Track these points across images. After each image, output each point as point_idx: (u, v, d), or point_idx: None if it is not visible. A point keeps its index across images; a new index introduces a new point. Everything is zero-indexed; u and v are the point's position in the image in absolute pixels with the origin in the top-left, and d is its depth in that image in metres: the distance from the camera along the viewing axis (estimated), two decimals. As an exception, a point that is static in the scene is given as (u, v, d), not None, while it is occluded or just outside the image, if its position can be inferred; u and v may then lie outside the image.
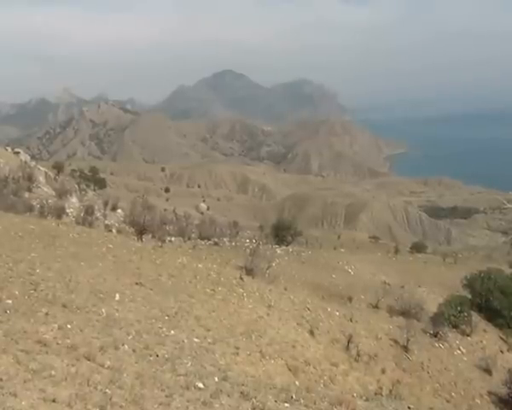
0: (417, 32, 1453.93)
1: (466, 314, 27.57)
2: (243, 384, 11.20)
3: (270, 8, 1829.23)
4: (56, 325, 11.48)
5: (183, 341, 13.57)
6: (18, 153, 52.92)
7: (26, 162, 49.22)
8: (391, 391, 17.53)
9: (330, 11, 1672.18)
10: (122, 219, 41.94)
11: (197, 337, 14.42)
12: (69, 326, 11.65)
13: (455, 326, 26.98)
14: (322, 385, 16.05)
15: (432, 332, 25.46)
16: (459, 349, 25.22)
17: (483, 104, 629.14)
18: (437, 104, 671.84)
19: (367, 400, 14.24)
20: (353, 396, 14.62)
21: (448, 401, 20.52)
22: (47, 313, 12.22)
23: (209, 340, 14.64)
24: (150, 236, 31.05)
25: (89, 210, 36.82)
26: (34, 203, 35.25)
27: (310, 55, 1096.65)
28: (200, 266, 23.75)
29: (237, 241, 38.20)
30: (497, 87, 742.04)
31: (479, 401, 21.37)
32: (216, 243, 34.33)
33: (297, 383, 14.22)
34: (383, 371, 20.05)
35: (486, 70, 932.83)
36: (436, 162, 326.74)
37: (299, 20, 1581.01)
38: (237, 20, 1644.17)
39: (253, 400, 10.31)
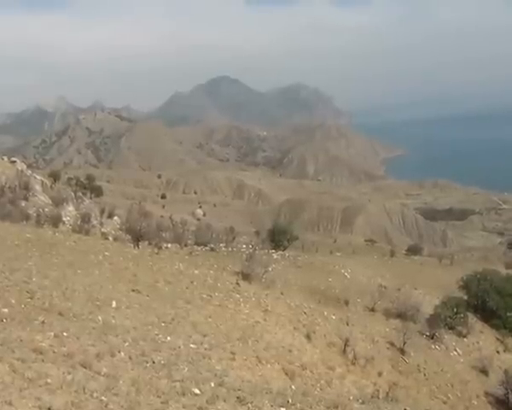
0: (414, 36, 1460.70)
1: (462, 316, 27.67)
2: (239, 389, 11.26)
3: (265, 12, 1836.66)
4: (52, 333, 11.53)
5: (180, 347, 13.64)
6: (14, 162, 52.81)
7: (22, 171, 49.14)
8: (387, 394, 17.57)
9: (325, 15, 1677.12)
10: (118, 226, 41.89)
11: (194, 343, 14.48)
12: (65, 334, 11.71)
13: (451, 328, 27.08)
14: (318, 389, 16.12)
15: (428, 334, 25.56)
16: (455, 351, 25.32)
17: (481, 106, 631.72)
18: (433, 107, 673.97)
19: (363, 403, 14.29)
20: (350, 399, 14.68)
21: (445, 403, 20.61)
22: (43, 322, 12.28)
23: (205, 346, 14.70)
24: (147, 243, 31.04)
25: (85, 218, 36.72)
26: (31, 212, 35.20)
27: (305, 59, 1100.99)
28: (196, 272, 23.81)
29: (234, 246, 38.18)
30: (495, 88, 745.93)
31: (475, 402, 21.47)
32: (212, 249, 34.31)
33: (293, 387, 14.27)
34: (380, 374, 20.13)
35: (483, 71, 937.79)
36: (432, 164, 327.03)
37: (293, 24, 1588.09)
38: (231, 25, 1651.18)
39: (249, 405, 10.39)
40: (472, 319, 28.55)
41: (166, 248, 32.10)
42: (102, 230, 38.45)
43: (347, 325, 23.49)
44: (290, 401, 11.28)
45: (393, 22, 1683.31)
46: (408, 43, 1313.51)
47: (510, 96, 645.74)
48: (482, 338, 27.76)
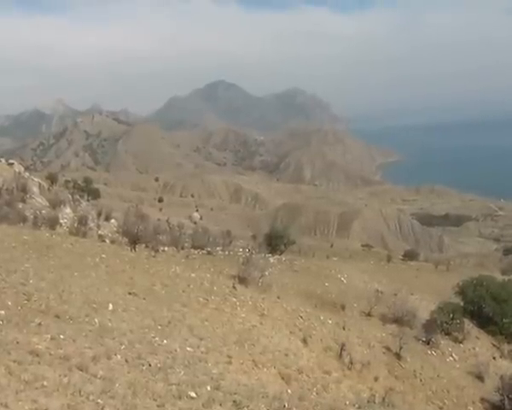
0: (410, 43, 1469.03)
1: (458, 321, 27.66)
2: (236, 393, 11.27)
3: (262, 18, 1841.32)
4: (49, 336, 11.50)
5: (176, 350, 13.61)
6: (12, 164, 52.74)
7: (19, 173, 49.08)
8: (384, 399, 17.55)
9: (322, 21, 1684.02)
10: (115, 229, 41.78)
11: (190, 347, 14.45)
12: (62, 337, 11.68)
13: (447, 333, 27.07)
14: (314, 393, 16.07)
15: (424, 339, 25.53)
16: (452, 356, 25.31)
17: (477, 113, 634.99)
18: (429, 113, 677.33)
19: (359, 407, 14.32)
20: (346, 404, 14.69)
21: (441, 408, 20.57)
22: (40, 324, 12.23)
23: (202, 349, 14.67)
24: (143, 245, 30.98)
25: (82, 220, 36.64)
26: (28, 214, 35.14)
27: (302, 65, 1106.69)
28: (193, 275, 23.76)
29: (230, 250, 38.16)
30: (495, 96, 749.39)
31: (471, 408, 21.44)
32: (209, 253, 34.28)
33: (289, 391, 14.26)
34: (376, 379, 20.09)
35: (484, 79, 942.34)
36: (429, 170, 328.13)
37: (291, 30, 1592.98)
38: (230, 30, 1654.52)
39: (245, 409, 10.40)
40: (468, 324, 28.55)
41: (163, 251, 32.07)
42: (99, 232, 38.39)
43: (344, 329, 23.45)
44: (286, 405, 11.29)
45: (394, 30, 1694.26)
46: (408, 51, 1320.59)
47: (509, 104, 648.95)
48: (478, 344, 27.78)
